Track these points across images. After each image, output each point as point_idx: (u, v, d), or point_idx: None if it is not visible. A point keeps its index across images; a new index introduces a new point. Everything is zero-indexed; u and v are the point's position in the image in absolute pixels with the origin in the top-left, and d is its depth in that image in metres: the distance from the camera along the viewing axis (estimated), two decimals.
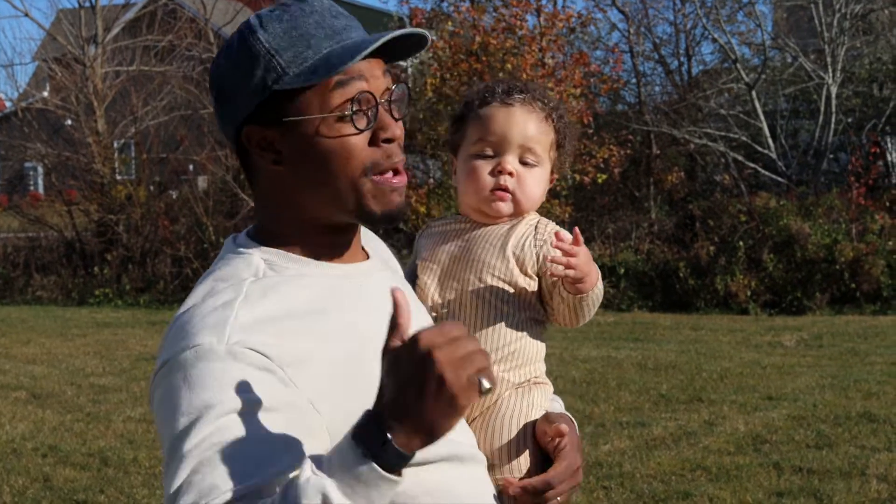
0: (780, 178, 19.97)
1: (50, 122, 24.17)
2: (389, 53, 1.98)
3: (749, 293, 16.41)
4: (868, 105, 21.42)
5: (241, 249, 2.02)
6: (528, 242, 2.32)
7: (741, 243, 16.90)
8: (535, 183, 2.36)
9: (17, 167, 30.46)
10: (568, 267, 2.21)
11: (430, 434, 1.62)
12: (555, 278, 2.29)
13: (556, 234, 2.23)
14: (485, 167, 2.33)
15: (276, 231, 2.02)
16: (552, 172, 2.43)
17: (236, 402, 1.76)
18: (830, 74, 19.89)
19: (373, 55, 1.93)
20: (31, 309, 19.52)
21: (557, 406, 2.40)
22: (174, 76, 23.29)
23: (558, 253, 2.21)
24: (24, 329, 16.25)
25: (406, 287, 2.21)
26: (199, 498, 1.69)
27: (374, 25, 29.28)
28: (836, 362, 11.59)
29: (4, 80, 47.78)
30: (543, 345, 2.36)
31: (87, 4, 23.17)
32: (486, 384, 1.58)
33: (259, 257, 1.99)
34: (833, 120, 19.96)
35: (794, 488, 7.03)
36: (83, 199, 22.22)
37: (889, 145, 21.31)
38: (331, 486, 1.61)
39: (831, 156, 20.92)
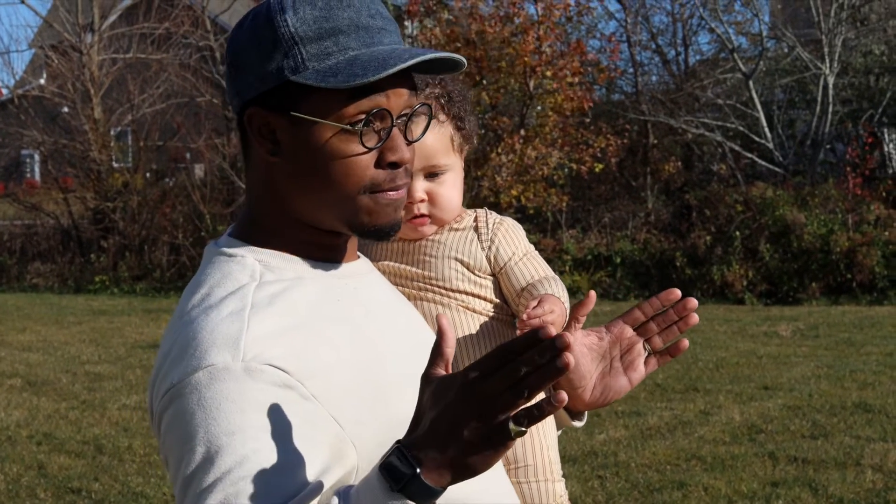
0: (776, 168, 19.97)
1: (46, 109, 24.13)
2: (417, 67, 1.82)
3: (745, 283, 16.44)
4: (864, 96, 21.42)
5: (230, 252, 1.88)
6: (475, 246, 2.23)
7: (737, 233, 16.92)
8: (450, 192, 2.22)
9: (13, 154, 30.40)
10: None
11: (464, 473, 1.56)
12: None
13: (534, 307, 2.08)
14: None
15: (265, 225, 1.89)
16: (462, 154, 2.27)
17: (258, 428, 1.66)
18: (827, 65, 19.87)
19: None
20: (27, 296, 19.51)
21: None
22: (171, 64, 23.28)
23: (536, 321, 2.06)
24: (20, 316, 16.25)
25: (394, 290, 2.09)
26: None
27: None
28: (832, 352, 11.61)
29: (1, 67, 47.45)
30: None
31: None
32: (515, 428, 1.51)
33: (252, 259, 1.86)
34: (830, 110, 19.95)
35: (789, 478, 7.04)
36: (80, 187, 22.23)
37: (885, 136, 21.32)
38: None
39: (828, 146, 20.93)
